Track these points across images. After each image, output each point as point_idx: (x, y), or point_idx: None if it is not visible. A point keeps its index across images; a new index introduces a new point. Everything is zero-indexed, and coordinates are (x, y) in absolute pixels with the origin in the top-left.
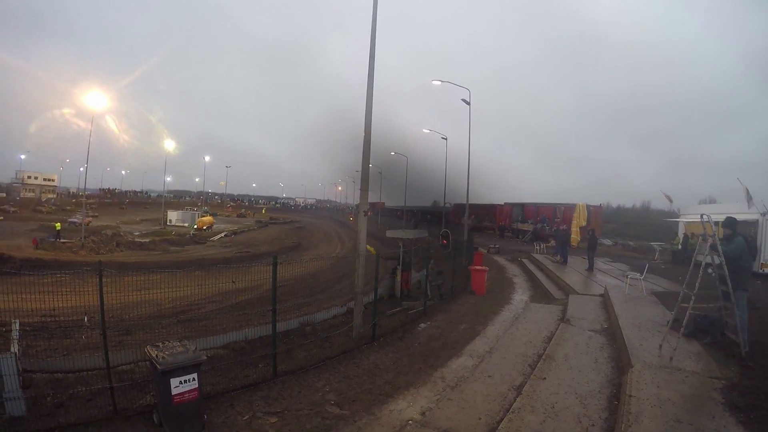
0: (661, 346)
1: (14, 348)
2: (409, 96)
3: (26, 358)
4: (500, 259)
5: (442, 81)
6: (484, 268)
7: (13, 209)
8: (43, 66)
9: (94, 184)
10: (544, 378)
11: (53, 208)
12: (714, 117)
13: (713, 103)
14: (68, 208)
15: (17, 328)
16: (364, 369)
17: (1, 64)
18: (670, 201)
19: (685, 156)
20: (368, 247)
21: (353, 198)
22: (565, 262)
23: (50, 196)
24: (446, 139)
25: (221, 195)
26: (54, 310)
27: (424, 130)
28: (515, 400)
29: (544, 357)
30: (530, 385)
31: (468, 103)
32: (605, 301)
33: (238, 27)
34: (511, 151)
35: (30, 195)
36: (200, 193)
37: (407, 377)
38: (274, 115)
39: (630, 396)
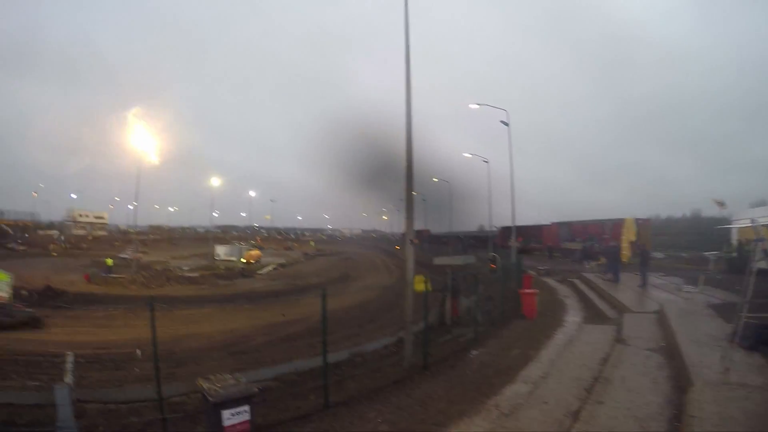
0: (722, 361)
1: (68, 379)
2: (443, 118)
3: (80, 389)
4: (550, 281)
5: (479, 104)
6: (534, 290)
7: (21, 247)
8: (85, 108)
9: (143, 221)
10: (602, 402)
11: (66, 246)
12: (758, 112)
13: (755, 97)
14: (116, 243)
15: (72, 360)
16: (416, 399)
17: (48, 108)
18: (722, 207)
19: (732, 156)
20: (419, 278)
21: (398, 226)
22: (617, 279)
23: (101, 233)
24: (488, 162)
25: (267, 228)
26: (107, 342)
27: (465, 155)
28: (572, 427)
29: (600, 380)
30: (587, 410)
31: (507, 125)
32: (661, 317)
33: (266, 56)
34: (553, 168)
35: (81, 232)
36: (247, 227)
37: (460, 406)
38: (311, 147)
39: (691, 417)
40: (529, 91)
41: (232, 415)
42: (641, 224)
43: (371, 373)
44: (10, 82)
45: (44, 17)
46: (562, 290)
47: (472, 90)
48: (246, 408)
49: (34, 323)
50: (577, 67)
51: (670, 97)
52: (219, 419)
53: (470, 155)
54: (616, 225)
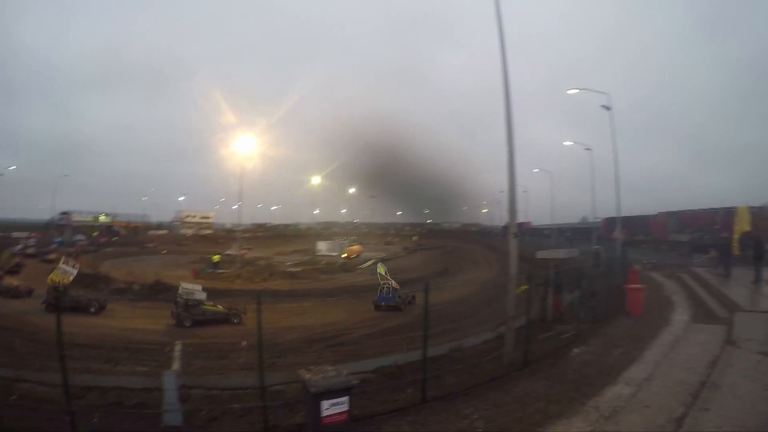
0: None
1: (176, 366)
2: (542, 106)
3: (186, 375)
4: (657, 276)
5: (579, 89)
6: (640, 286)
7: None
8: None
9: (247, 219)
10: (708, 409)
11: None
12: None
13: None
14: (220, 241)
15: (179, 348)
16: (514, 396)
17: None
18: None
19: None
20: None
21: (499, 219)
22: (728, 274)
23: (207, 231)
24: (590, 149)
25: (368, 224)
26: (214, 333)
27: (566, 143)
28: None
29: (707, 385)
30: (692, 417)
31: (608, 109)
32: None
33: (356, 52)
34: (660, 151)
35: (189, 232)
36: (347, 223)
37: (559, 406)
38: (406, 141)
39: None
40: (628, 68)
41: (331, 405)
42: (757, 213)
43: (470, 368)
44: (119, 96)
45: (140, 32)
46: (670, 286)
47: (566, 72)
48: (345, 399)
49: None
50: (685, 31)
51: None
52: (318, 409)
53: (571, 143)
54: (729, 214)
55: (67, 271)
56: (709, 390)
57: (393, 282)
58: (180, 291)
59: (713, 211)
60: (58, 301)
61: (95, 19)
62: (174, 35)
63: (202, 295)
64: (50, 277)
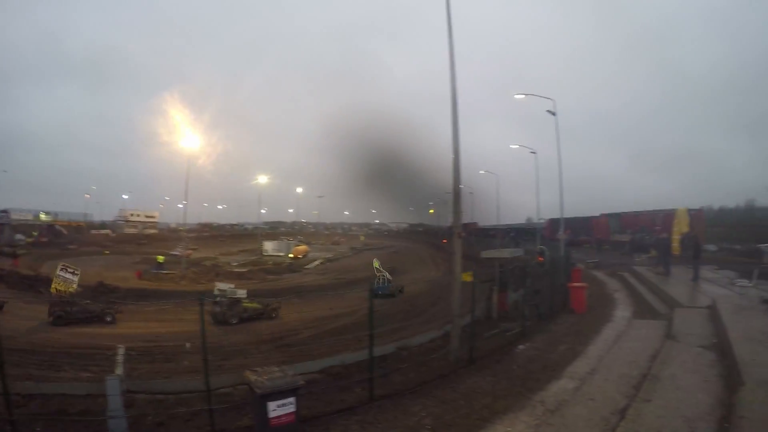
0: None
1: (119, 370)
2: (489, 110)
3: (130, 380)
4: (599, 274)
5: (525, 94)
6: (583, 284)
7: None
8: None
9: (192, 219)
10: (650, 400)
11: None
12: None
13: None
14: (167, 241)
15: (123, 352)
16: (461, 393)
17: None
18: None
19: None
20: (465, 274)
21: (445, 220)
22: (667, 273)
23: (152, 231)
24: (535, 153)
25: (315, 224)
26: (157, 336)
27: (512, 146)
28: (619, 425)
29: (649, 377)
30: (635, 408)
31: (554, 114)
32: (713, 313)
33: (299, 50)
34: (602, 157)
35: (132, 231)
36: (294, 223)
37: (505, 401)
38: (353, 141)
39: (741, 417)
40: (573, 74)
41: (278, 407)
42: (694, 215)
43: (417, 366)
44: (59, 89)
45: (80, 25)
46: (612, 284)
47: (512, 75)
48: (291, 400)
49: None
50: (629, 41)
51: (731, 72)
52: (265, 411)
53: (517, 146)
54: (668, 216)
55: (67, 279)
56: (651, 382)
57: (387, 274)
58: (216, 292)
59: (653, 213)
60: (68, 314)
61: (31, 2)
62: (117, 27)
63: (243, 293)
64: (53, 286)
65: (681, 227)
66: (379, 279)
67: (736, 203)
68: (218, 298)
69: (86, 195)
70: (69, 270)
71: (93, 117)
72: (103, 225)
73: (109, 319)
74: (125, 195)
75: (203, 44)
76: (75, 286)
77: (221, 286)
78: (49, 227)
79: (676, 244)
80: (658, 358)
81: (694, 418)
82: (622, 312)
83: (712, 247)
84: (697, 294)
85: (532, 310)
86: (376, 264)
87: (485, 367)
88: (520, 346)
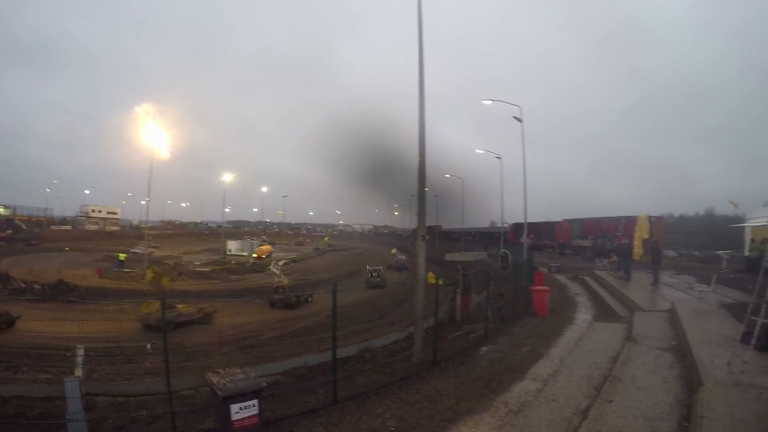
0: (729, 362)
1: (78, 372)
2: (456, 114)
3: (90, 382)
4: (562, 278)
5: (492, 100)
6: (545, 288)
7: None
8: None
9: (155, 216)
10: (611, 401)
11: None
12: None
13: None
14: (129, 238)
15: (82, 353)
16: (425, 395)
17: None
18: (736, 207)
19: (753, 150)
20: (430, 275)
21: (410, 222)
22: (628, 277)
23: (114, 228)
24: (500, 158)
25: (279, 224)
26: (118, 336)
27: (478, 151)
28: (581, 425)
29: (610, 378)
30: (596, 409)
31: (520, 121)
32: (672, 316)
33: (245, 41)
34: (566, 162)
35: (94, 228)
36: (258, 222)
37: (469, 403)
38: (320, 141)
39: (701, 417)
40: (540, 82)
41: (241, 409)
42: (654, 222)
43: (380, 368)
44: (19, 78)
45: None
46: (574, 288)
47: (479, 81)
48: (254, 402)
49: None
50: (585, 43)
51: (702, 82)
52: (228, 413)
53: (483, 151)
54: (629, 222)
55: None
56: (612, 383)
57: (380, 268)
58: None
59: (615, 219)
60: None
61: None
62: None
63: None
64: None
65: (642, 233)
66: (372, 273)
67: (696, 211)
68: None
69: (47, 189)
70: None
71: (49, 108)
72: (64, 220)
73: None
74: (87, 190)
75: (162, 39)
76: None
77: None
78: (8, 222)
79: (637, 250)
80: (619, 359)
81: (654, 417)
82: (583, 315)
83: (672, 253)
84: (656, 298)
85: (495, 313)
86: (393, 251)
87: (449, 368)
88: (483, 348)
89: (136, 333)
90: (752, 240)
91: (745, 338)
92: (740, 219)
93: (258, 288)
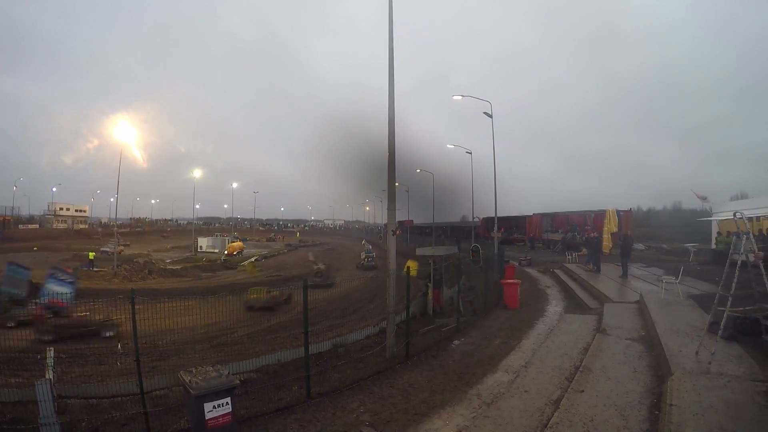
0: (697, 351)
1: (50, 374)
2: (426, 109)
3: (61, 384)
4: (532, 271)
5: (462, 96)
6: (516, 281)
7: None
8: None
9: (124, 213)
10: (582, 391)
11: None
12: (748, 91)
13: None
14: (95, 237)
15: (52, 355)
16: (399, 389)
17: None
18: (704, 201)
19: (717, 144)
20: (411, 262)
21: (382, 217)
22: (598, 270)
23: (82, 226)
24: (471, 153)
25: (250, 220)
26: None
27: (448, 146)
28: (553, 415)
29: (581, 369)
30: (568, 399)
31: (490, 116)
32: (641, 307)
33: (212, 33)
34: (536, 158)
35: (62, 226)
36: (229, 219)
37: (442, 395)
38: (279, 133)
39: (671, 405)
40: (508, 76)
41: (214, 407)
42: (623, 215)
43: (354, 363)
44: None
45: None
46: (544, 281)
47: (444, 69)
48: (227, 400)
49: None
50: (556, 40)
51: (656, 74)
52: (201, 412)
53: (453, 146)
54: (598, 216)
55: None
56: (583, 373)
57: (375, 254)
58: None
59: (585, 213)
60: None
61: None
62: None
63: None
64: None
65: (611, 227)
66: (366, 258)
67: (664, 205)
68: None
69: (14, 187)
70: None
71: (10, 101)
72: (31, 219)
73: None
74: (54, 188)
75: (126, 31)
76: None
77: None
78: None
79: (606, 243)
80: (590, 350)
81: (625, 406)
82: (554, 307)
83: (640, 246)
84: (625, 290)
85: (466, 306)
86: (363, 242)
87: (422, 362)
88: (456, 342)
89: None
90: (719, 233)
91: (713, 328)
92: (707, 213)
93: (230, 285)
